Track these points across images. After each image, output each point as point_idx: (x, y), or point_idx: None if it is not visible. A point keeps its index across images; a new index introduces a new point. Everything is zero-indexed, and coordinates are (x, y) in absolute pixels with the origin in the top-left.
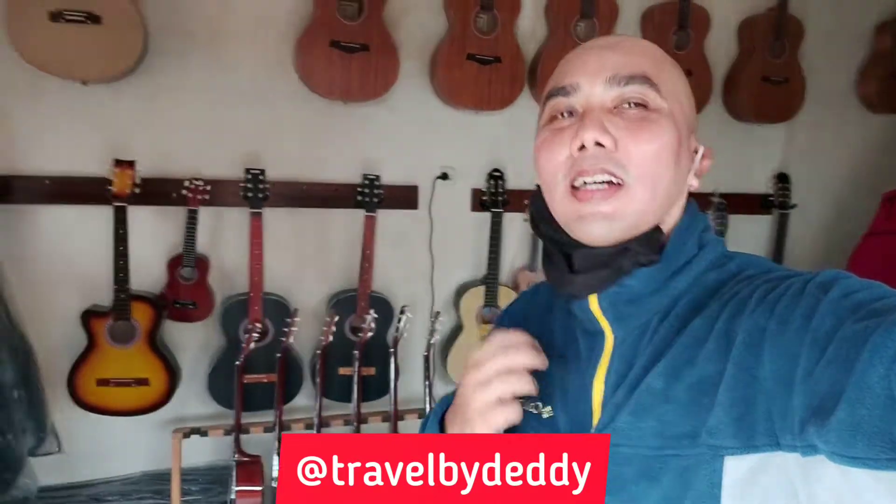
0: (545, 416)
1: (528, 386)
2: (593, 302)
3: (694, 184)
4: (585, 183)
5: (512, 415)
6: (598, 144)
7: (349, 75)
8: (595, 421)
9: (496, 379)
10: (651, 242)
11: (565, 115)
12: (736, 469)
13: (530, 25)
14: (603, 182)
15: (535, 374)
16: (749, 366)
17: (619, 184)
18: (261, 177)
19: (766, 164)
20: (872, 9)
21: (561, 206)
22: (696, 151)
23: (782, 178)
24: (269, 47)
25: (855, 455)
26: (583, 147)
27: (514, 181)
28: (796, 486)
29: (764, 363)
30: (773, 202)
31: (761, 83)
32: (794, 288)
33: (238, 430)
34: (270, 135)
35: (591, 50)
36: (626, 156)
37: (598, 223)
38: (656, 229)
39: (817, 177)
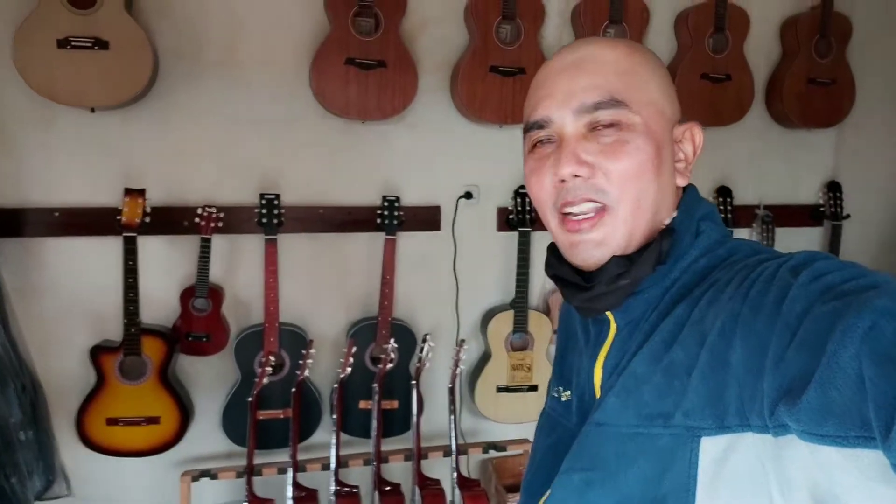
0: (564, 399)
1: None
2: None
3: (679, 182)
4: (573, 213)
5: None
6: (576, 176)
7: (366, 93)
8: None
9: None
10: (652, 258)
11: (545, 141)
12: (711, 450)
13: (556, 34)
14: (589, 209)
15: (559, 362)
16: (721, 351)
17: (603, 207)
18: (275, 202)
19: (815, 172)
20: None
21: (556, 235)
22: (679, 141)
23: (833, 187)
24: (283, 67)
25: (825, 433)
26: (563, 180)
27: None
28: (766, 468)
29: (735, 348)
30: (824, 213)
31: (807, 85)
32: (767, 273)
33: (250, 472)
34: (285, 158)
35: (558, 74)
36: (606, 179)
37: (589, 250)
38: (656, 246)
39: (872, 184)
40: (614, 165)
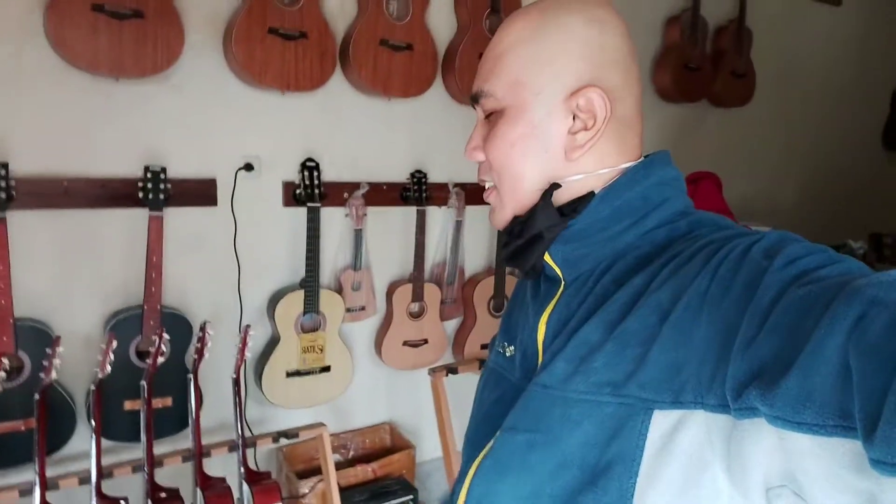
0: (508, 354)
1: None
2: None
3: (572, 155)
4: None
5: None
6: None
7: (120, 46)
8: (539, 361)
9: None
10: (543, 215)
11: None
12: (662, 423)
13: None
14: (488, 184)
15: (506, 318)
16: (686, 327)
17: (494, 186)
18: (1, 172)
19: None
20: (662, 3)
21: None
22: (577, 110)
23: None
24: (7, 9)
25: (802, 421)
26: None
27: (331, 172)
28: (714, 446)
29: (701, 325)
30: None
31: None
32: (738, 251)
33: None
34: (15, 120)
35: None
36: (490, 163)
37: (494, 214)
38: (545, 204)
39: None
40: (490, 154)
